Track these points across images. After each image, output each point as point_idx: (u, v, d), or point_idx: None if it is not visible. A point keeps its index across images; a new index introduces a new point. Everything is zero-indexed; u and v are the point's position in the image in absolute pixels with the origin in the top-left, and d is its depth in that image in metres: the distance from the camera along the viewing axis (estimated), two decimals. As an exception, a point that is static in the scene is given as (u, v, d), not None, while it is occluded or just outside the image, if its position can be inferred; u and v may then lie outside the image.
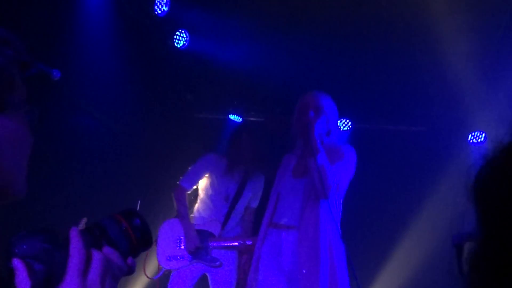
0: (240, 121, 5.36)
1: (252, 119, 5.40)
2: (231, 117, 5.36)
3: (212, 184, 3.69)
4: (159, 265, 3.60)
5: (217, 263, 3.54)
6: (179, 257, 3.52)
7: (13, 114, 0.85)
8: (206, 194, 3.71)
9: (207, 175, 3.72)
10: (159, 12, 4.24)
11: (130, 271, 0.86)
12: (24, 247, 0.75)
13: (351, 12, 4.00)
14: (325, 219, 2.80)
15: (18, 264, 0.74)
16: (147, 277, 3.63)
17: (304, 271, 2.75)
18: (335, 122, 3.08)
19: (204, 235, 3.55)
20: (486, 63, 4.08)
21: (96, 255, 0.79)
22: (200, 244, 3.50)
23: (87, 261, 0.78)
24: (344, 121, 5.04)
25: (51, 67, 1.78)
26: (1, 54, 0.84)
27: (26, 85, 0.88)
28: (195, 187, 3.75)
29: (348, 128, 5.07)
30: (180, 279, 3.55)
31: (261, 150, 3.76)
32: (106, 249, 0.83)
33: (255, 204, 3.76)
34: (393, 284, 4.58)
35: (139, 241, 0.88)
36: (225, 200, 3.66)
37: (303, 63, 4.56)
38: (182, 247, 3.53)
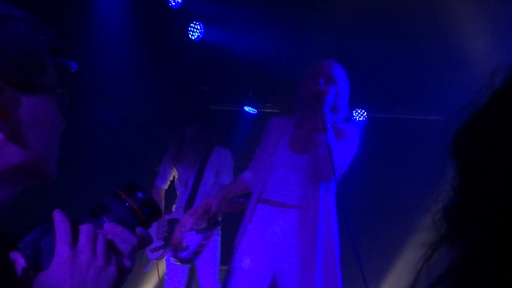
0: (254, 112, 5.36)
1: (267, 110, 5.40)
2: (246, 108, 5.37)
3: (177, 175, 3.89)
4: (147, 257, 3.81)
5: (182, 246, 3.63)
6: (159, 247, 3.69)
7: (45, 97, 0.87)
8: (175, 185, 3.90)
9: (175, 168, 3.89)
10: (173, 4, 4.25)
11: (143, 242, 0.88)
12: (27, 239, 0.79)
13: (366, 1, 3.96)
14: (327, 202, 2.53)
15: (16, 256, 0.78)
16: (140, 270, 3.91)
17: (300, 256, 2.46)
18: (344, 99, 2.70)
19: (171, 222, 3.71)
20: (506, 49, 4.00)
21: (83, 227, 0.82)
22: (169, 230, 3.67)
23: (76, 234, 0.80)
24: (359, 111, 5.01)
25: (69, 59, 1.80)
26: (34, 39, 0.85)
27: (58, 70, 0.90)
28: (169, 182, 3.93)
29: (364, 118, 5.04)
30: (171, 268, 3.73)
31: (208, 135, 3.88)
32: (107, 225, 0.85)
33: (225, 180, 3.78)
34: (405, 278, 4.55)
35: (146, 214, 0.88)
36: (185, 186, 3.80)
37: (318, 53, 4.52)
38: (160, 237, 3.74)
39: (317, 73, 2.62)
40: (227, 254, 2.84)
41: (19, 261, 0.78)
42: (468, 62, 4.17)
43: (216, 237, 3.74)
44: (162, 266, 3.85)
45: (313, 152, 2.54)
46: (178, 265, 3.70)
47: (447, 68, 4.35)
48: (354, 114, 5.05)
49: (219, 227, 3.74)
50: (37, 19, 0.88)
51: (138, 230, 0.87)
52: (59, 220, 0.80)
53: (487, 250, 0.48)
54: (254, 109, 5.36)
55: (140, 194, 0.88)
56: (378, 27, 4.17)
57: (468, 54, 4.11)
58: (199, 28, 4.61)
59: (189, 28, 4.58)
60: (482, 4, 3.71)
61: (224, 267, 3.55)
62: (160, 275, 3.77)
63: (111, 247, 0.83)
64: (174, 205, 3.89)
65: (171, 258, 3.65)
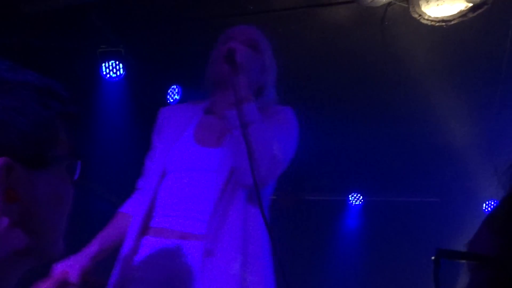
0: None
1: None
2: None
3: None
4: None
5: None
6: None
7: (56, 169, 0.79)
8: None
9: None
10: (172, 100, 4.44)
11: None
12: None
13: (360, 91, 4.11)
14: (254, 223, 1.57)
15: None
16: None
17: None
18: (272, 74, 1.85)
19: None
20: (490, 127, 4.10)
21: None
22: None
23: None
24: (356, 195, 5.06)
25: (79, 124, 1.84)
26: (46, 106, 0.78)
27: (71, 136, 0.84)
28: None
29: (360, 203, 5.08)
30: None
31: None
32: None
33: None
34: None
35: None
36: None
37: (312, 140, 4.64)
38: None
39: (232, 36, 1.80)
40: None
41: None
42: (460, 144, 4.28)
43: None
44: None
45: (230, 142, 1.62)
46: None
47: (440, 151, 4.46)
48: (350, 198, 5.09)
49: None
50: (50, 83, 0.81)
51: None
52: None
53: None
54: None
55: None
56: (370, 115, 4.32)
57: (459, 137, 4.24)
58: (196, 120, 4.78)
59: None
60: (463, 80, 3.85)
61: None
62: None
63: None
64: None
65: None
